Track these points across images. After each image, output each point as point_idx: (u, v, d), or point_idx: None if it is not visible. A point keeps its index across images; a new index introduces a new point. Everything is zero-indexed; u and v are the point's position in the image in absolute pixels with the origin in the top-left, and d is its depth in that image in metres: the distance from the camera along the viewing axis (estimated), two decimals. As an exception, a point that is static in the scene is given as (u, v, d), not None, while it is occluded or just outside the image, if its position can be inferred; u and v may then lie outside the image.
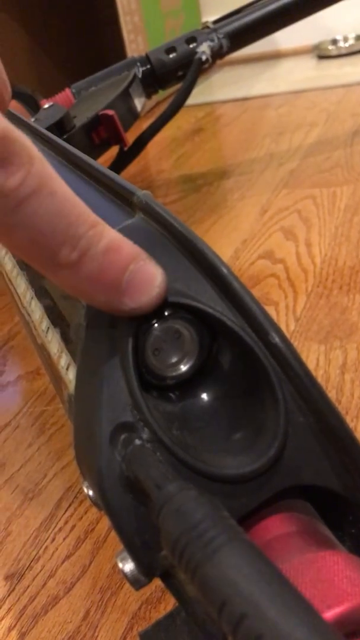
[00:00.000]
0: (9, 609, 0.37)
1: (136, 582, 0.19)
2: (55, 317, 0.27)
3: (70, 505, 0.43)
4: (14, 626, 0.36)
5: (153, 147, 1.16)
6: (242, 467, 0.19)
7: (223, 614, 0.14)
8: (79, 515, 0.42)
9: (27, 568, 0.39)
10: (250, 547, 0.14)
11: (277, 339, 0.20)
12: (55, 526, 0.42)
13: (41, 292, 0.30)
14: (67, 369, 0.25)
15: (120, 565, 0.20)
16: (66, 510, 0.43)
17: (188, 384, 0.21)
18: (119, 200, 0.26)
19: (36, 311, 0.29)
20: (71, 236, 0.19)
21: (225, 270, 0.21)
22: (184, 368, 0.21)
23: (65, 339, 0.26)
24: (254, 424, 0.20)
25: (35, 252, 0.19)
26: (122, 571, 0.20)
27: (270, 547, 0.18)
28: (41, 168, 0.18)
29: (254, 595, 0.13)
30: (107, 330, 0.21)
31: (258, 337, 0.20)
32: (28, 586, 0.38)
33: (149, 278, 0.20)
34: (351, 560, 0.17)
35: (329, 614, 0.15)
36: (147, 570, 0.19)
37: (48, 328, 0.27)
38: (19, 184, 0.18)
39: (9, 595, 0.38)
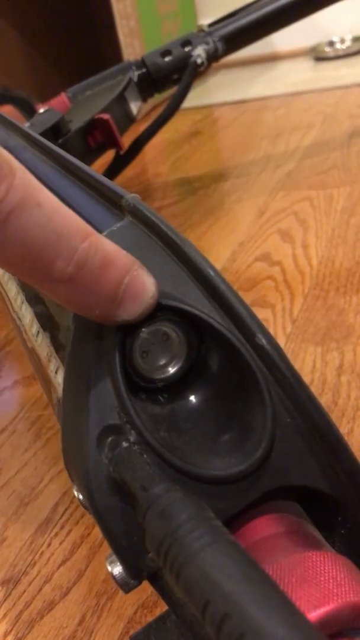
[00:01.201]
0: (5, 614, 0.37)
1: (125, 585, 0.19)
2: (46, 321, 0.27)
3: (66, 510, 0.43)
4: (10, 631, 0.36)
5: (150, 150, 1.16)
6: (230, 468, 0.19)
7: (206, 614, 0.14)
8: (75, 520, 0.42)
9: (23, 573, 0.39)
10: (234, 548, 0.14)
11: (263, 341, 0.20)
12: (51, 531, 0.42)
13: (33, 297, 0.30)
14: (56, 372, 0.25)
15: (109, 568, 0.20)
16: (62, 515, 0.43)
17: (176, 386, 0.21)
18: (108, 203, 0.26)
19: (26, 315, 0.29)
20: (65, 249, 0.18)
21: (212, 272, 0.21)
22: (172, 370, 0.21)
23: (55, 342, 0.26)
24: (241, 425, 0.20)
25: (27, 267, 0.18)
26: (111, 574, 0.20)
27: (257, 548, 0.18)
28: (24, 179, 0.18)
29: (236, 595, 0.13)
30: (95, 334, 0.21)
31: (245, 339, 0.20)
32: (24, 591, 0.38)
33: (142, 289, 0.20)
34: (338, 560, 0.17)
35: (315, 614, 0.15)
36: (134, 572, 0.19)
37: (38, 332, 0.27)
38: (2, 196, 0.17)
39: (4, 600, 0.38)
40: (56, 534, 0.41)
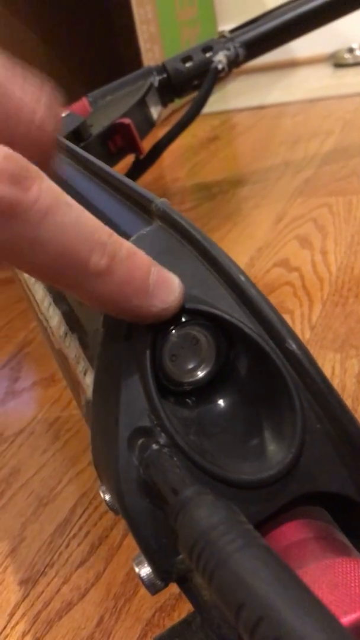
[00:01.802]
0: (23, 614, 0.37)
1: (152, 587, 0.19)
2: (73, 322, 0.28)
3: (84, 512, 0.43)
4: (28, 631, 0.36)
5: (168, 155, 1.16)
6: (259, 473, 0.19)
7: (240, 618, 0.14)
8: (93, 522, 0.42)
9: (42, 574, 0.39)
10: (267, 551, 0.14)
11: (294, 346, 0.20)
12: (69, 532, 0.42)
13: (59, 299, 0.30)
14: (84, 374, 0.25)
15: (136, 569, 0.20)
16: (80, 517, 0.43)
17: (205, 390, 0.22)
18: (136, 208, 0.26)
19: (54, 317, 0.29)
20: (97, 243, 0.19)
21: (242, 277, 0.21)
22: (201, 374, 0.22)
23: (83, 344, 0.26)
24: (270, 430, 0.20)
25: (65, 265, 0.19)
26: (138, 575, 0.20)
27: (286, 553, 0.18)
28: (50, 182, 0.19)
29: (270, 598, 0.13)
30: (125, 336, 0.21)
31: (275, 344, 0.20)
32: (42, 592, 0.38)
33: (169, 279, 0.21)
34: (368, 567, 0.17)
35: (346, 620, 0.15)
36: (163, 574, 0.19)
37: (66, 333, 0.27)
38: (37, 196, 0.18)
39: (23, 600, 0.38)
40: (74, 535, 0.42)
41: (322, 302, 0.61)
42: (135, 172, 0.85)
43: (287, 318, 0.59)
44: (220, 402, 0.21)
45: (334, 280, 0.64)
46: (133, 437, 0.19)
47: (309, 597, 0.13)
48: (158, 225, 0.24)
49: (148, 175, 0.97)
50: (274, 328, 0.20)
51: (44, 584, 0.39)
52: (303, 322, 0.58)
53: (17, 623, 0.37)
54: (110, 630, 0.35)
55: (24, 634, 0.36)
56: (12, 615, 0.37)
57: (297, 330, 0.57)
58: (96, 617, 0.36)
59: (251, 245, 0.76)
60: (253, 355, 0.21)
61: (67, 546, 0.41)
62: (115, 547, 0.40)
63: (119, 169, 0.88)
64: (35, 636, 0.36)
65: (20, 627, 0.36)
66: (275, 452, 0.19)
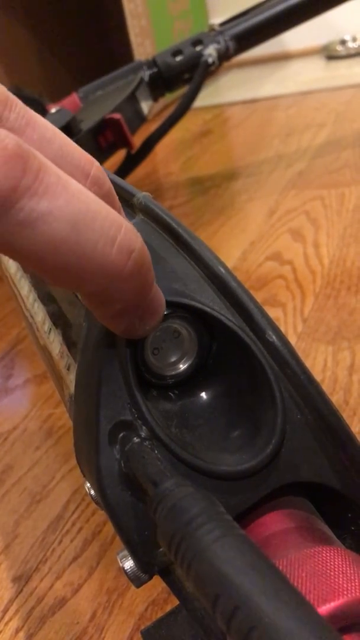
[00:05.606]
0: (17, 611, 0.37)
1: (136, 580, 0.20)
2: (58, 318, 0.28)
3: (77, 508, 0.43)
4: (22, 628, 0.36)
5: (161, 149, 1.16)
6: (240, 464, 0.19)
7: (217, 608, 0.14)
8: (85, 518, 0.42)
9: (35, 570, 0.39)
10: (244, 541, 0.14)
11: (274, 337, 0.20)
12: (62, 528, 0.42)
13: (45, 295, 0.30)
14: (68, 369, 0.25)
15: (120, 563, 0.20)
16: (73, 513, 0.43)
17: (187, 383, 0.22)
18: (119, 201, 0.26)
19: (39, 313, 0.29)
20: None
21: (222, 270, 0.21)
22: (182, 367, 0.22)
23: (67, 340, 0.26)
24: (252, 421, 0.20)
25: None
26: (122, 569, 0.20)
27: (268, 543, 0.18)
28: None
29: (247, 588, 0.13)
30: (107, 330, 0.21)
31: (256, 336, 0.20)
32: (35, 588, 0.38)
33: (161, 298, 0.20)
34: (348, 555, 0.17)
35: (324, 608, 0.15)
36: (145, 566, 0.19)
37: (50, 329, 0.27)
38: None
39: (16, 597, 0.38)
40: (67, 531, 0.42)
41: (315, 295, 0.61)
42: (126, 167, 0.85)
43: (279, 311, 0.59)
44: (202, 394, 0.21)
45: (326, 273, 0.64)
46: (114, 430, 0.19)
47: (285, 586, 0.13)
48: (140, 218, 0.24)
49: (141, 170, 0.97)
50: (254, 320, 0.20)
51: (37, 580, 0.39)
52: (295, 315, 0.58)
53: (10, 619, 0.37)
54: (104, 625, 0.35)
55: (17, 630, 0.36)
56: (5, 611, 0.37)
57: (290, 323, 0.57)
58: (89, 612, 0.36)
59: (244, 238, 0.76)
60: (234, 348, 0.21)
61: (60, 542, 0.41)
62: (108, 542, 0.40)
63: (111, 164, 0.88)
64: (28, 632, 0.36)
65: (14, 624, 0.36)
66: (257, 443, 0.19)
